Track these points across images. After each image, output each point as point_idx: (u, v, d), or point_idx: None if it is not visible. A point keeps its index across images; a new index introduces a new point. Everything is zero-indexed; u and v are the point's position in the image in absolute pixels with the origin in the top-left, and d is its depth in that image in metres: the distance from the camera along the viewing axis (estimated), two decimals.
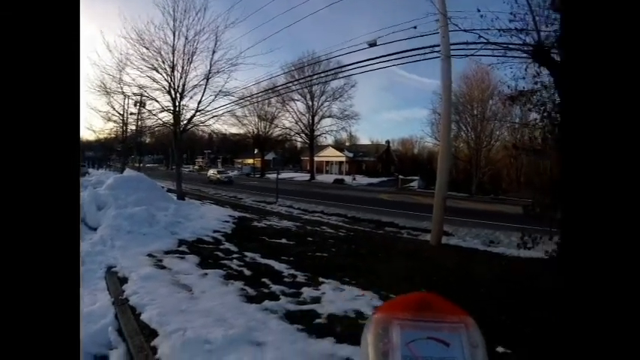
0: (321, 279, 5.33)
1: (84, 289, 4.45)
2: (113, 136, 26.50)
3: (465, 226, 13.24)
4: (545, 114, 8.19)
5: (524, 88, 8.54)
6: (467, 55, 10.07)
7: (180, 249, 6.74)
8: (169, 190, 14.95)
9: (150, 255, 6.08)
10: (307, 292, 4.78)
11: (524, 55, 8.53)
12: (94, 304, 4.10)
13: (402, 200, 24.36)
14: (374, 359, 0.45)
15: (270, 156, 54.04)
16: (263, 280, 5.17)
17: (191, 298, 4.35)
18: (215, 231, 8.62)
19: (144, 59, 13.22)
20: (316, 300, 4.52)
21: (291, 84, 30.18)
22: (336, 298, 4.61)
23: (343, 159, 54.51)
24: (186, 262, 5.89)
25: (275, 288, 4.85)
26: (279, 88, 26.34)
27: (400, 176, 42.74)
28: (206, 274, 5.26)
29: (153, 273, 5.18)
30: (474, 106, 38.33)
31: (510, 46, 8.69)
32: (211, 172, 39.94)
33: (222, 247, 7.17)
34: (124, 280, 4.90)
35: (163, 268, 5.50)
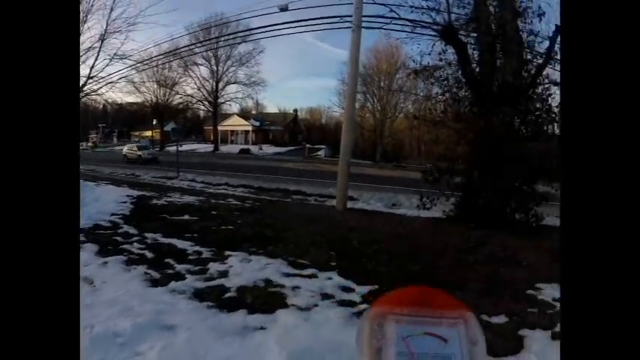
0: (227, 252, 5.30)
1: None
2: None
3: (369, 191, 14.04)
4: (446, 88, 9.06)
5: (429, 63, 9.27)
6: (378, 28, 10.47)
7: None
8: None
9: None
10: (214, 267, 4.75)
11: (433, 33, 9.18)
12: None
13: (309, 169, 24.99)
14: (368, 356, 0.43)
15: (170, 127, 50.67)
16: (167, 260, 5.01)
17: (94, 291, 4.08)
18: (112, 214, 8.02)
19: None
20: (224, 274, 4.52)
21: (194, 46, 28.10)
22: (244, 269, 4.66)
23: (249, 128, 52.88)
24: (84, 251, 5.43)
25: (180, 267, 4.74)
26: (182, 50, 24.33)
27: (307, 145, 43.31)
28: (106, 262, 4.93)
29: None
30: (381, 79, 39.96)
31: (420, 23, 9.28)
32: (127, 148, 32.89)
33: (120, 230, 6.73)
34: None
35: None
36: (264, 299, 3.82)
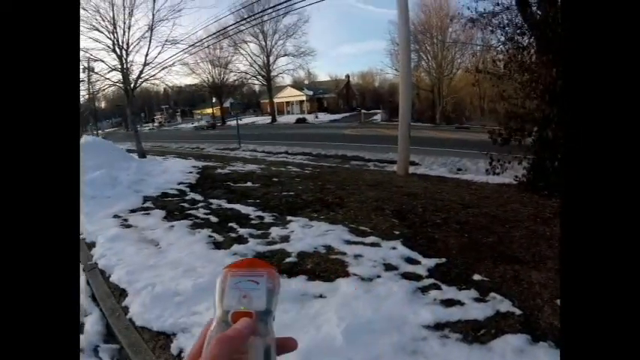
0: (289, 218, 5.30)
1: None
2: None
3: (431, 155, 13.46)
4: (508, 36, 8.07)
5: (484, 9, 8.36)
6: None
7: (145, 205, 6.54)
8: (130, 150, 14.40)
9: (115, 216, 5.89)
10: (276, 231, 4.76)
11: None
12: None
13: (366, 134, 24.50)
14: (217, 294, 0.59)
15: (228, 103, 52.55)
16: (230, 225, 5.11)
17: (159, 252, 4.29)
18: (179, 183, 8.39)
19: (82, 20, 12.06)
20: (285, 239, 4.50)
21: (240, 24, 28.51)
22: (305, 235, 4.60)
23: (303, 98, 53.21)
24: (152, 217, 5.75)
25: (243, 231, 4.81)
26: (229, 29, 24.81)
27: (363, 110, 42.64)
28: (172, 226, 5.15)
29: (119, 233, 5.04)
30: (433, 34, 37.81)
31: None
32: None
33: (187, 197, 7.00)
34: (91, 245, 4.77)
35: (129, 226, 5.36)
36: (324, 266, 3.73)
